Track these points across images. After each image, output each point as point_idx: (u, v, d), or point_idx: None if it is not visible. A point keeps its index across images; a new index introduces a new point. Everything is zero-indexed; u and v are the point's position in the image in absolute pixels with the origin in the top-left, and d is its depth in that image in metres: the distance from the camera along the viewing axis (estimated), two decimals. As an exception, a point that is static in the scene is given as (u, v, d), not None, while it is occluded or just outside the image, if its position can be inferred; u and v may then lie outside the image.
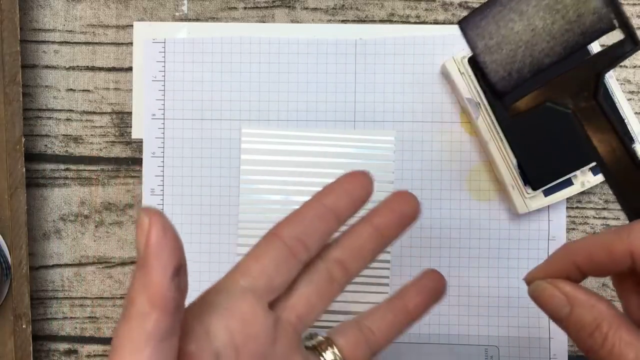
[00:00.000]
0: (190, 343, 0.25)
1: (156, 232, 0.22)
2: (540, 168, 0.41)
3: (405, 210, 0.30)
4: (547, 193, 0.42)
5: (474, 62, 0.26)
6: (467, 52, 0.42)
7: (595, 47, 0.40)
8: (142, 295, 0.22)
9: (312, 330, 0.30)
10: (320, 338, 0.30)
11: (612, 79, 0.42)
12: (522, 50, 0.25)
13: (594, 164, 0.41)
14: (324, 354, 0.29)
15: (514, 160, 0.42)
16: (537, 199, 0.42)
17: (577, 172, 0.42)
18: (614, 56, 0.25)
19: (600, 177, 0.42)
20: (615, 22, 0.24)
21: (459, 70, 0.42)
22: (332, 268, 0.29)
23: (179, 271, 0.23)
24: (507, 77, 0.25)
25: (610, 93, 0.41)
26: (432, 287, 0.32)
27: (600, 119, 0.25)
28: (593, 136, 0.25)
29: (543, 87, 0.26)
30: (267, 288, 0.27)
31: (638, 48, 0.25)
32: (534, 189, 0.42)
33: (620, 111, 0.41)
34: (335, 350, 0.29)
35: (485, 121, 0.42)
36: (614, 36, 0.25)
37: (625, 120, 0.41)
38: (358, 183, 0.30)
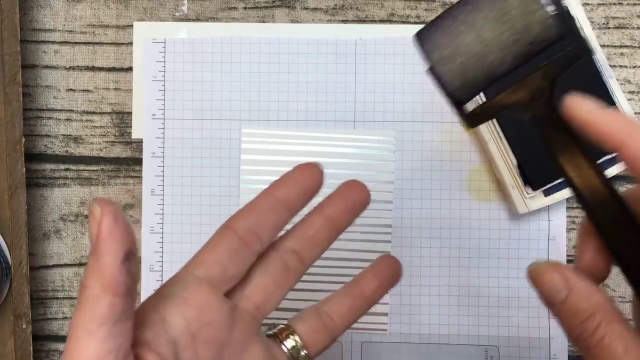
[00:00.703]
0: (147, 331, 0.26)
1: (107, 221, 0.23)
2: (540, 168, 0.41)
3: (355, 198, 0.31)
4: (547, 193, 0.42)
5: (431, 73, 0.26)
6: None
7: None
8: (94, 280, 0.23)
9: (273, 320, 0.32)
10: (280, 326, 0.31)
11: (612, 79, 0.42)
12: (474, 61, 0.25)
13: None
14: (284, 341, 0.30)
15: (514, 160, 0.42)
16: (537, 199, 0.42)
17: None
18: (565, 62, 0.25)
19: None
20: (562, 30, 0.24)
21: None
22: (287, 258, 0.30)
23: (129, 256, 0.24)
24: (462, 87, 0.26)
25: (611, 93, 0.41)
26: (389, 272, 0.33)
27: (559, 129, 0.25)
28: (555, 148, 0.25)
29: (498, 96, 0.26)
30: (222, 278, 0.28)
31: (588, 54, 0.25)
32: (534, 189, 0.42)
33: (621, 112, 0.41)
34: (296, 337, 0.30)
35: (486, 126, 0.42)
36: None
37: None
38: (308, 174, 0.31)
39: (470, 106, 0.26)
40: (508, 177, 0.42)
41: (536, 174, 0.41)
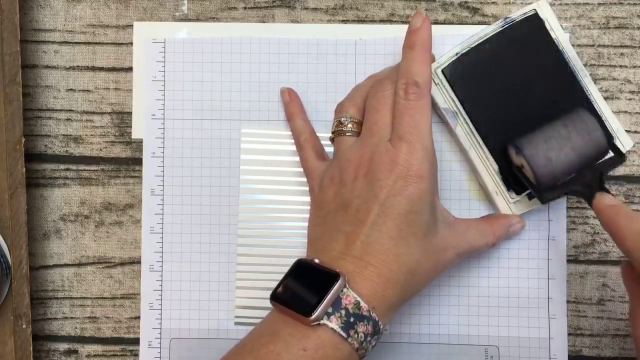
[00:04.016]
0: None
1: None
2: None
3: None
4: (530, 196, 0.42)
5: (519, 168, 0.40)
6: (438, 63, 0.42)
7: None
8: None
9: None
10: None
11: (587, 77, 0.42)
12: (558, 163, 0.38)
13: None
14: None
15: (496, 167, 0.42)
16: (522, 203, 0.42)
17: None
18: (608, 164, 0.40)
19: None
20: (609, 147, 0.39)
21: (434, 81, 0.42)
22: None
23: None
24: (547, 180, 0.38)
25: (587, 93, 0.42)
26: None
27: None
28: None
29: (568, 182, 0.39)
30: None
31: (623, 160, 0.41)
32: (518, 193, 0.42)
33: (598, 110, 0.42)
34: None
35: (464, 129, 0.42)
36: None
37: (603, 117, 0.41)
38: None
39: (549, 194, 0.39)
40: (491, 183, 0.42)
41: (518, 178, 0.41)
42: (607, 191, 0.37)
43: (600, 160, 0.40)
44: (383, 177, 0.36)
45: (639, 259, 0.32)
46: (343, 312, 0.33)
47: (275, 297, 0.36)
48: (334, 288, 0.33)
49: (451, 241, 0.38)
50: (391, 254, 0.35)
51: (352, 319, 0.33)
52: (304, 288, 0.35)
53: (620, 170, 0.44)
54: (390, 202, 0.35)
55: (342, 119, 0.40)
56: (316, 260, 0.36)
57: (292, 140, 0.44)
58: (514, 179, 0.41)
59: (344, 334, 0.33)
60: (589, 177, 0.38)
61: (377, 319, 0.34)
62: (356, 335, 0.33)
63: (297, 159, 0.44)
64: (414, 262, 0.36)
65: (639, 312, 0.34)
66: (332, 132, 0.41)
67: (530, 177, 0.39)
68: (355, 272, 0.35)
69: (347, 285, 0.34)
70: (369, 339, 0.34)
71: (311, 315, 0.33)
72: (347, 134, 0.40)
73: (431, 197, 0.37)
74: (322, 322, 0.33)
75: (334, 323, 0.33)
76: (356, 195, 0.36)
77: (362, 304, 0.34)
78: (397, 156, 0.36)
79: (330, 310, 0.33)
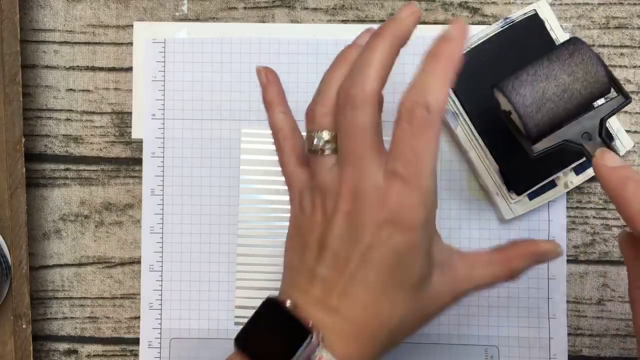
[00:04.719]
0: None
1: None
2: (523, 172, 0.41)
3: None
4: (531, 197, 0.42)
5: (508, 115, 0.36)
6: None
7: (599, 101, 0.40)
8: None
9: None
10: None
11: None
12: (548, 106, 0.34)
13: (576, 164, 0.41)
14: None
15: (496, 167, 0.42)
16: (523, 204, 0.42)
17: (560, 174, 0.42)
18: (612, 107, 0.34)
19: (583, 177, 0.42)
20: (611, 85, 0.34)
21: None
22: None
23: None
24: (537, 126, 0.34)
25: None
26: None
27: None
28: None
29: (560, 130, 0.34)
30: None
31: (629, 101, 0.34)
32: (518, 193, 0.42)
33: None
34: None
35: (464, 130, 0.42)
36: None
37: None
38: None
39: (540, 144, 0.35)
40: (491, 184, 0.42)
41: (519, 179, 0.41)
42: (609, 146, 0.33)
43: (601, 104, 0.35)
44: (367, 220, 0.30)
45: None
46: None
47: (240, 341, 0.31)
48: (306, 348, 0.29)
49: (449, 288, 0.33)
50: (371, 310, 0.30)
51: None
52: (272, 338, 0.30)
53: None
54: (372, 254, 0.30)
55: (315, 140, 0.32)
56: (288, 303, 0.30)
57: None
58: (513, 178, 0.41)
59: None
60: (587, 124, 0.34)
61: None
62: None
63: (297, 159, 0.44)
64: (398, 319, 0.31)
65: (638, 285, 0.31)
66: (307, 150, 0.33)
67: (519, 124, 0.35)
68: (331, 328, 0.30)
69: (320, 345, 0.29)
70: None
71: None
72: (326, 152, 0.32)
73: (424, 248, 0.31)
74: None
75: None
76: (335, 236, 0.31)
77: None
78: (386, 197, 0.30)
79: None
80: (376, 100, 0.31)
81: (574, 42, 0.35)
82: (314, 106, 0.33)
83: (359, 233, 0.30)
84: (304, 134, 0.34)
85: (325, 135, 0.32)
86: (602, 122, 0.34)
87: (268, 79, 0.36)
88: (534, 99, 0.33)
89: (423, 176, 0.30)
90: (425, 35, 0.44)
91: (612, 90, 0.35)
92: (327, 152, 0.32)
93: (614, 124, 0.42)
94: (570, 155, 0.41)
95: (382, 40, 0.31)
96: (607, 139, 0.34)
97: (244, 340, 0.31)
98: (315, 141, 0.32)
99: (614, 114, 0.35)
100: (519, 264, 0.34)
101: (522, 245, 0.35)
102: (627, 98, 0.34)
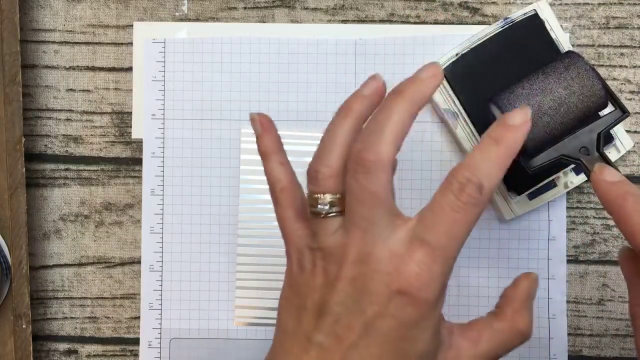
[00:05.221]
0: None
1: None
2: (523, 172, 0.41)
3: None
4: (531, 197, 0.42)
5: None
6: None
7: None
8: None
9: None
10: None
11: None
12: (544, 120, 0.33)
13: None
14: None
15: None
16: (522, 204, 0.42)
17: (560, 174, 0.42)
18: (609, 122, 0.34)
19: (583, 177, 0.42)
20: (607, 99, 0.34)
21: None
22: None
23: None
24: (533, 140, 0.33)
25: None
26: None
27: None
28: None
29: (559, 146, 0.34)
30: None
31: (627, 115, 0.34)
32: (518, 193, 0.42)
33: None
34: None
35: (464, 130, 0.42)
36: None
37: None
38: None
39: (536, 159, 0.34)
40: None
41: (519, 178, 0.41)
42: (608, 160, 0.33)
43: (598, 119, 0.34)
44: (376, 290, 0.28)
45: None
46: None
47: None
48: None
49: None
50: None
51: None
52: None
53: (619, 170, 0.44)
54: (378, 325, 0.28)
55: (319, 204, 0.30)
56: None
57: (293, 141, 0.44)
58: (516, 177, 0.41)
59: None
60: (585, 138, 0.33)
61: None
62: None
63: (297, 159, 0.44)
64: None
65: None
66: (309, 211, 0.31)
67: None
68: None
69: None
70: None
71: None
72: (330, 215, 0.30)
73: (434, 323, 0.29)
74: None
75: None
76: (337, 302, 0.28)
77: None
78: (405, 265, 0.28)
79: None
80: (391, 166, 0.29)
81: (569, 55, 0.35)
82: (318, 166, 0.30)
83: (364, 301, 0.28)
84: (303, 186, 0.32)
85: (329, 198, 0.30)
86: (600, 136, 0.33)
87: (263, 127, 0.33)
88: (532, 117, 0.32)
89: (452, 250, 0.28)
90: (425, 35, 0.44)
91: (610, 104, 0.34)
92: (331, 215, 0.30)
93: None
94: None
95: (402, 102, 0.29)
96: (605, 154, 0.33)
97: None
98: (319, 205, 0.30)
99: (611, 127, 0.34)
100: (526, 316, 0.32)
101: (516, 292, 0.32)
102: (624, 112, 0.34)
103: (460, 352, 0.30)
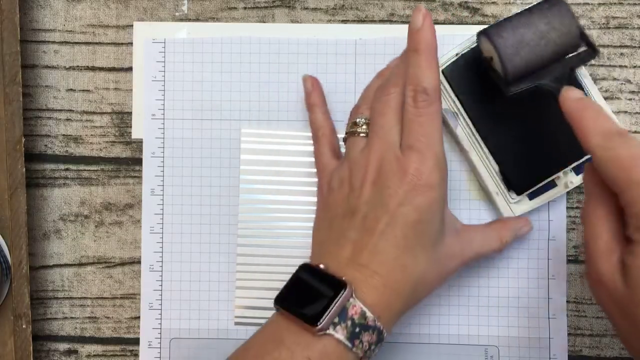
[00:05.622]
0: None
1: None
2: (523, 172, 0.41)
3: None
4: (531, 197, 0.42)
5: (489, 60, 0.39)
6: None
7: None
8: None
9: None
10: None
11: (587, 78, 0.41)
12: (526, 51, 0.37)
13: (575, 164, 0.41)
14: None
15: (496, 167, 0.42)
16: (522, 204, 0.42)
17: (560, 174, 0.42)
18: (580, 59, 0.38)
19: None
20: (583, 39, 0.38)
21: None
22: None
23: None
24: (515, 68, 0.37)
25: (586, 93, 0.41)
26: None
27: None
28: None
29: (535, 76, 0.38)
30: None
31: (596, 54, 0.38)
32: (518, 193, 0.42)
33: None
34: None
35: (465, 130, 0.42)
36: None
37: None
38: None
39: (515, 85, 0.38)
40: (491, 184, 0.42)
41: (519, 178, 0.41)
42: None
43: (572, 54, 0.38)
44: (392, 185, 0.35)
45: (602, 157, 0.31)
46: (349, 322, 0.33)
47: (279, 301, 0.35)
48: (341, 298, 0.33)
49: (457, 250, 0.38)
50: (398, 264, 0.35)
51: (357, 329, 0.33)
52: (309, 295, 0.34)
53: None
54: (399, 212, 0.35)
55: (357, 119, 0.39)
56: (321, 266, 0.35)
57: (292, 141, 0.44)
58: (512, 176, 0.41)
59: (349, 344, 0.33)
60: (559, 71, 0.38)
61: (381, 328, 0.34)
62: (361, 345, 0.33)
63: (297, 159, 0.44)
64: (419, 272, 0.36)
65: (592, 211, 0.33)
66: (346, 133, 0.40)
67: (498, 68, 0.38)
68: (362, 281, 0.34)
69: (353, 295, 0.33)
70: (372, 347, 0.34)
71: (317, 325, 0.32)
72: (361, 134, 0.39)
73: (441, 207, 0.36)
74: (327, 332, 0.33)
75: (339, 334, 0.33)
76: (364, 202, 0.36)
77: (368, 314, 0.33)
78: (407, 165, 0.35)
79: (336, 320, 0.33)
80: (402, 89, 0.37)
81: (556, 4, 0.38)
82: (359, 103, 0.41)
83: (385, 197, 0.35)
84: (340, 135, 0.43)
85: (364, 119, 0.39)
86: (572, 71, 0.39)
87: (313, 86, 0.43)
88: (513, 43, 0.37)
89: (433, 145, 0.36)
90: (425, 35, 0.44)
91: (583, 44, 0.39)
92: (361, 134, 0.39)
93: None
94: (570, 155, 0.41)
95: (422, 54, 0.37)
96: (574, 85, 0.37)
97: (282, 300, 0.35)
98: (357, 120, 0.39)
99: (582, 64, 0.39)
100: (507, 235, 0.41)
101: (508, 221, 0.42)
102: (595, 51, 0.38)
103: (462, 237, 0.39)
